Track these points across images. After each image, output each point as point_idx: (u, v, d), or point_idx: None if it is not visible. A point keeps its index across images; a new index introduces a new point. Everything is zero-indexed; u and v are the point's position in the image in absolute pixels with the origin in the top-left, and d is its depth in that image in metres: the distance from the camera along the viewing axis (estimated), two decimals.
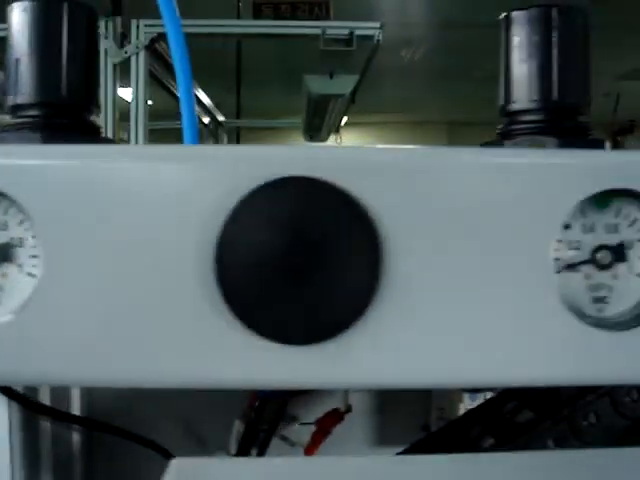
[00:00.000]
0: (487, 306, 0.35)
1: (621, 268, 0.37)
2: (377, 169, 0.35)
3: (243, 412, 0.69)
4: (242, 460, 0.40)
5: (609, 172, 0.36)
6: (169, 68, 3.59)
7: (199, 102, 5.08)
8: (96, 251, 0.33)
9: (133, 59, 2.88)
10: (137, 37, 2.90)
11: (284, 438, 0.73)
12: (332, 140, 7.07)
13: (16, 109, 0.42)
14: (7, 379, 0.37)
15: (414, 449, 0.60)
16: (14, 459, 0.51)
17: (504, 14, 0.45)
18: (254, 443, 0.69)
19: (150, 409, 0.73)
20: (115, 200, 0.34)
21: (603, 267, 0.37)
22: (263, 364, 0.34)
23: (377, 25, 2.73)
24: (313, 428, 0.68)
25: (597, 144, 0.43)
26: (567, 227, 0.37)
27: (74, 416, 0.66)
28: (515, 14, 0.44)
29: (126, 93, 3.28)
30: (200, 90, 4.94)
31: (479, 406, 0.60)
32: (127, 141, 3.05)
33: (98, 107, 0.43)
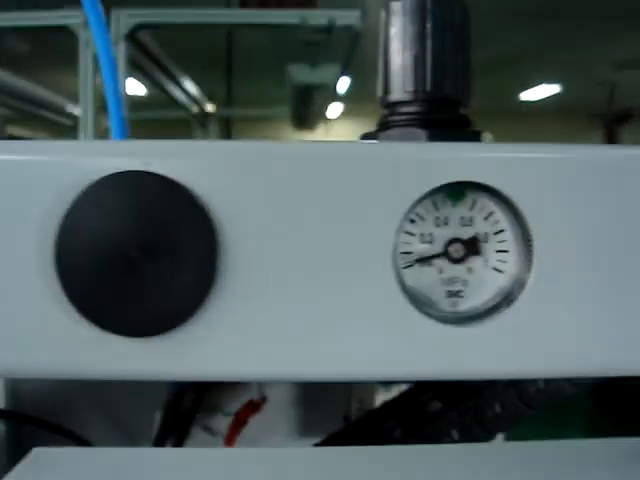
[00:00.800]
0: (329, 300, 0.35)
1: (476, 262, 0.37)
2: (217, 162, 0.35)
3: (163, 403, 0.69)
4: (106, 450, 0.40)
5: (462, 165, 0.35)
6: (151, 58, 3.59)
7: (187, 93, 5.06)
8: None
9: (113, 49, 2.86)
10: (117, 27, 2.89)
11: (207, 428, 0.73)
12: (322, 130, 7.06)
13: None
14: None
15: (330, 441, 0.60)
16: None
17: (385, 3, 0.45)
18: (171, 433, 0.69)
19: (79, 401, 0.73)
20: None
21: (457, 260, 0.36)
22: (105, 356, 0.34)
23: (357, 14, 2.71)
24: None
25: (473, 136, 0.43)
26: (419, 220, 0.36)
27: None
28: (393, 4, 0.43)
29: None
30: (188, 80, 4.92)
31: (395, 398, 0.60)
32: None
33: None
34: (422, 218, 0.36)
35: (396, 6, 0.43)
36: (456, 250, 0.36)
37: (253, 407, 0.67)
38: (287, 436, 0.73)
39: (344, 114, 7.73)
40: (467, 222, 0.36)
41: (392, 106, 0.44)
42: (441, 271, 0.36)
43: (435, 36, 0.42)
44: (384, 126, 0.44)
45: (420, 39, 0.42)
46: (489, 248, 0.37)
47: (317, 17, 2.75)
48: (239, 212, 0.34)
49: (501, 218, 0.36)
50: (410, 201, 0.35)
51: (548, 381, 0.48)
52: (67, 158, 0.34)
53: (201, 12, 2.97)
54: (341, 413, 0.72)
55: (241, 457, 0.42)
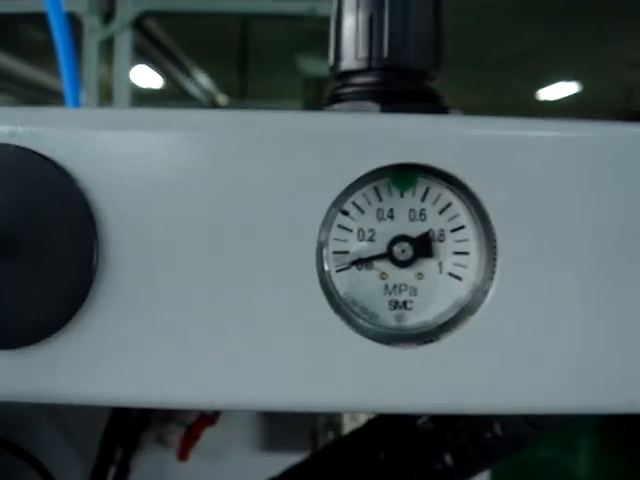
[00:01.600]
0: (234, 313, 0.28)
1: (428, 265, 0.29)
2: (102, 138, 0.28)
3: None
4: None
5: (412, 143, 0.28)
6: (158, 46, 3.53)
7: (199, 85, 5.02)
8: None
9: (118, 37, 2.81)
10: (123, 14, 2.83)
11: (160, 440, 0.67)
12: None
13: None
14: None
15: (310, 462, 0.53)
16: None
17: None
18: (117, 444, 0.62)
19: (35, 421, 0.67)
20: None
21: (404, 264, 0.29)
22: None
23: None
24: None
25: (438, 114, 0.36)
26: (356, 211, 0.29)
27: None
28: None
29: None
30: (200, 72, 4.88)
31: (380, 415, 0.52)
32: None
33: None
34: (360, 209, 0.29)
35: None
36: (403, 250, 0.29)
37: (206, 420, 0.60)
38: (249, 451, 0.66)
39: None
40: (417, 216, 0.29)
41: (343, 76, 0.36)
42: (384, 276, 0.29)
43: None
44: (332, 100, 0.36)
45: None
46: (445, 249, 0.29)
47: (326, 8, 2.67)
48: (126, 200, 0.27)
49: (461, 212, 0.29)
50: (341, 186, 0.28)
51: (507, 424, 0.40)
52: None
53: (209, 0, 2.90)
54: (307, 426, 0.65)
55: None
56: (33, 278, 0.26)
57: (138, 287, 0.27)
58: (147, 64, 3.95)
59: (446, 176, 0.28)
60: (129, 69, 2.83)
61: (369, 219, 0.29)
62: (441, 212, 0.29)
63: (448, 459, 0.41)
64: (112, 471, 0.62)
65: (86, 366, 0.27)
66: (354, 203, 0.29)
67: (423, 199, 0.29)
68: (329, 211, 0.28)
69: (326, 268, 0.29)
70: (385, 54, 0.35)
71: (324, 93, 4.23)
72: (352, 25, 0.35)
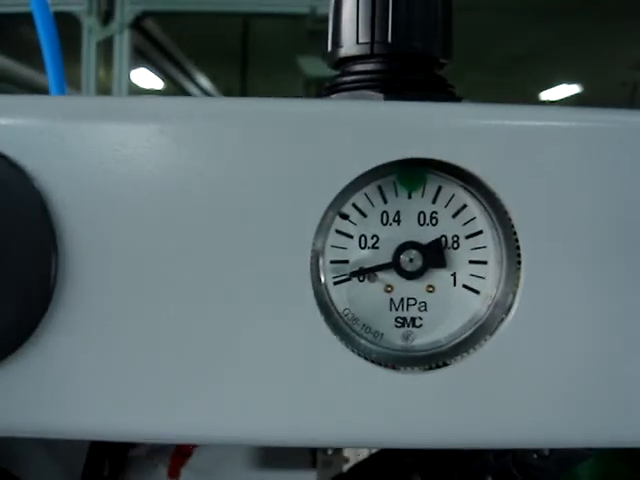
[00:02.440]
0: (218, 333, 0.24)
1: (440, 277, 0.26)
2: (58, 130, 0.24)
3: None
4: None
5: (422, 136, 0.24)
6: (158, 47, 3.50)
7: (200, 87, 4.99)
8: None
9: (117, 38, 2.77)
10: (122, 14, 2.80)
11: (150, 456, 0.63)
12: None
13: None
14: None
15: None
16: None
17: None
18: (105, 460, 0.59)
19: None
20: None
21: (412, 275, 0.25)
22: None
23: None
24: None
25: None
26: (357, 215, 0.25)
27: None
28: None
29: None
30: (200, 74, 4.85)
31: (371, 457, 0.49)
32: None
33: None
34: (362, 213, 0.25)
35: None
36: (411, 259, 0.25)
37: None
38: (245, 468, 0.63)
39: None
40: (428, 220, 0.25)
41: (342, 64, 0.33)
42: (389, 289, 0.25)
43: None
44: (330, 90, 0.33)
45: None
46: (459, 257, 0.25)
47: (326, 8, 2.62)
48: (90, 202, 0.23)
49: (478, 215, 0.25)
50: (338, 186, 0.24)
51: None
52: None
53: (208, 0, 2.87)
54: None
55: None
56: None
57: (103, 305, 0.23)
58: (147, 66, 3.92)
59: (461, 173, 0.24)
60: (128, 70, 2.80)
61: (372, 224, 0.25)
62: (455, 215, 0.25)
63: None
64: None
65: (39, 394, 0.23)
66: (355, 205, 0.25)
67: (434, 200, 0.25)
68: (325, 214, 0.24)
69: (322, 280, 0.25)
70: (389, 39, 0.31)
71: None
72: (353, 7, 0.32)
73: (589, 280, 0.24)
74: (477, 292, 0.25)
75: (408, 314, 0.25)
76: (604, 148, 0.24)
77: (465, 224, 0.25)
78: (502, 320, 0.24)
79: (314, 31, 2.62)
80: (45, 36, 0.56)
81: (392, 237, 0.25)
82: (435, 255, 0.25)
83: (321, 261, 0.25)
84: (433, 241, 0.25)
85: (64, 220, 0.23)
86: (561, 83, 6.43)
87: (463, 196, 0.25)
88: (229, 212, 0.23)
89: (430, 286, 0.25)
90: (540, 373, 0.24)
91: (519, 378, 0.24)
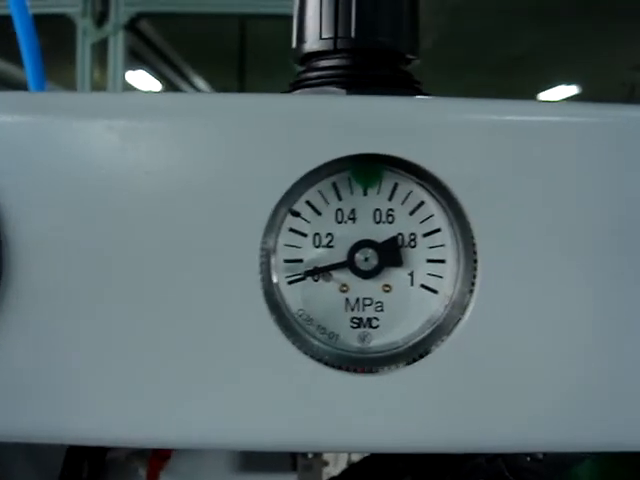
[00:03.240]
0: (164, 334, 0.23)
1: (397, 276, 0.25)
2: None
3: None
4: None
5: (379, 130, 0.24)
6: (153, 49, 3.49)
7: (196, 88, 4.99)
8: None
9: (111, 39, 2.77)
10: (117, 16, 2.79)
11: (130, 459, 0.63)
12: None
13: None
14: None
15: None
16: None
17: None
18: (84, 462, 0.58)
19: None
20: None
21: (367, 274, 0.25)
22: None
23: None
24: None
25: None
26: (310, 212, 0.25)
27: None
28: None
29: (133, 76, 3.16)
30: (197, 76, 4.84)
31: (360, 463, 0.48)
32: None
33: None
34: (315, 210, 0.25)
35: None
36: (366, 258, 0.24)
37: None
38: (225, 472, 0.62)
39: None
40: (384, 218, 0.25)
41: (307, 60, 0.32)
42: (344, 289, 0.25)
43: None
44: (294, 87, 0.32)
45: None
46: (417, 256, 0.25)
47: None
48: (39, 200, 0.23)
49: (435, 212, 0.25)
50: (289, 182, 0.23)
51: None
52: None
53: (204, 1, 2.86)
54: None
55: None
56: None
57: (50, 304, 0.23)
58: (143, 68, 3.91)
59: (417, 170, 0.24)
60: (123, 71, 2.79)
61: (326, 221, 0.25)
62: (412, 213, 0.25)
63: None
64: None
65: None
66: (308, 203, 0.24)
67: (390, 198, 0.25)
68: (277, 212, 0.23)
69: (274, 280, 0.24)
70: (353, 34, 0.30)
71: None
72: (316, 2, 0.31)
73: (546, 278, 0.23)
74: (435, 292, 0.25)
75: (364, 314, 0.25)
76: (557, 144, 0.23)
77: (422, 222, 0.25)
78: (459, 320, 0.24)
79: None
80: (23, 34, 0.55)
81: (347, 235, 0.24)
82: (391, 253, 0.24)
83: (273, 260, 0.24)
84: (389, 239, 0.24)
85: (10, 213, 0.22)
86: (560, 84, 6.43)
87: (420, 193, 0.25)
88: (177, 210, 0.23)
89: (387, 286, 0.25)
90: (497, 371, 0.23)
91: (476, 377, 0.23)
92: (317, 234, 0.24)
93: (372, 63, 0.31)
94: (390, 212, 0.25)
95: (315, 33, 0.31)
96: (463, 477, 0.38)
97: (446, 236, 0.25)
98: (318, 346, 0.24)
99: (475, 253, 0.23)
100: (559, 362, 0.24)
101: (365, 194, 0.25)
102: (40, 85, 0.56)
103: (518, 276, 0.23)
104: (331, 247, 0.25)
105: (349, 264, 0.24)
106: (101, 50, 2.81)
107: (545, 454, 0.36)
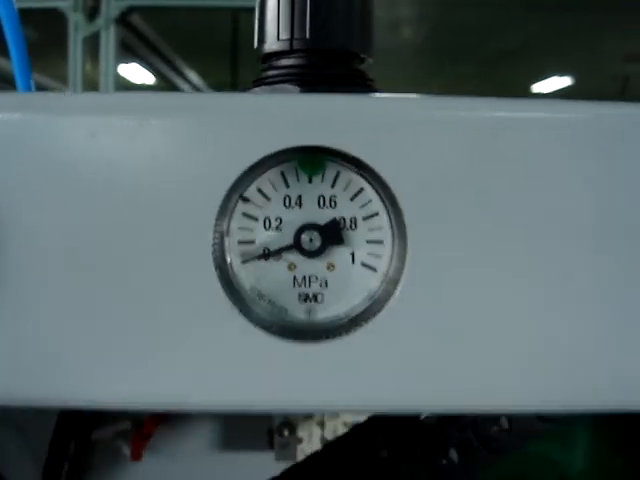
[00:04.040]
0: (127, 309, 0.26)
1: (340, 255, 0.28)
2: None
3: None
4: None
5: (322, 124, 0.26)
6: (145, 43, 3.50)
7: (190, 82, 4.99)
8: None
9: (103, 33, 2.79)
10: (108, 10, 2.81)
11: (117, 437, 0.65)
12: None
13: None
14: None
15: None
16: None
17: None
18: (71, 442, 0.61)
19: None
20: None
21: (312, 254, 0.27)
22: None
23: None
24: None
25: None
26: (260, 198, 0.27)
27: None
28: None
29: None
30: (189, 69, 4.84)
31: (338, 439, 0.50)
32: None
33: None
34: (265, 196, 0.27)
35: None
36: (311, 239, 0.27)
37: (158, 418, 0.58)
38: (206, 450, 0.65)
39: None
40: (328, 203, 0.28)
41: (267, 59, 0.35)
42: (292, 267, 0.28)
43: None
44: (255, 84, 0.35)
45: None
46: (357, 237, 0.28)
47: None
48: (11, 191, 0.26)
49: (374, 198, 0.27)
50: (240, 169, 0.26)
51: (514, 417, 0.38)
52: None
53: None
54: (264, 425, 0.63)
55: None
56: None
57: (25, 282, 0.25)
58: (135, 61, 3.92)
59: (356, 161, 0.27)
60: (115, 65, 2.81)
61: (275, 207, 0.27)
62: (352, 198, 0.27)
63: (453, 454, 0.40)
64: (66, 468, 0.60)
65: None
66: (259, 190, 0.27)
67: (333, 185, 0.27)
68: (228, 197, 0.26)
69: (228, 260, 0.27)
70: (307, 35, 0.33)
71: None
72: (274, 4, 0.34)
73: (467, 256, 0.26)
74: (374, 270, 0.28)
75: (310, 290, 0.28)
76: (486, 138, 0.26)
77: (362, 207, 0.27)
78: (392, 294, 0.26)
79: None
80: (9, 29, 0.57)
81: (294, 219, 0.27)
82: (333, 234, 0.27)
83: (227, 242, 0.27)
84: (330, 221, 0.27)
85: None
86: (553, 75, 6.43)
87: (359, 181, 0.27)
88: (139, 197, 0.26)
89: (331, 264, 0.28)
90: (425, 339, 0.26)
91: (407, 345, 0.26)
92: (267, 218, 0.27)
93: (326, 62, 0.34)
94: (333, 198, 0.27)
95: (274, 34, 0.34)
96: (435, 446, 0.41)
97: (384, 219, 0.27)
98: (268, 319, 0.27)
99: (405, 234, 0.26)
100: (484, 331, 0.26)
101: (310, 182, 0.27)
102: (26, 81, 0.58)
103: (443, 254, 0.26)
104: (280, 230, 0.27)
105: (295, 245, 0.27)
106: (93, 44, 2.82)
107: (511, 424, 0.39)
